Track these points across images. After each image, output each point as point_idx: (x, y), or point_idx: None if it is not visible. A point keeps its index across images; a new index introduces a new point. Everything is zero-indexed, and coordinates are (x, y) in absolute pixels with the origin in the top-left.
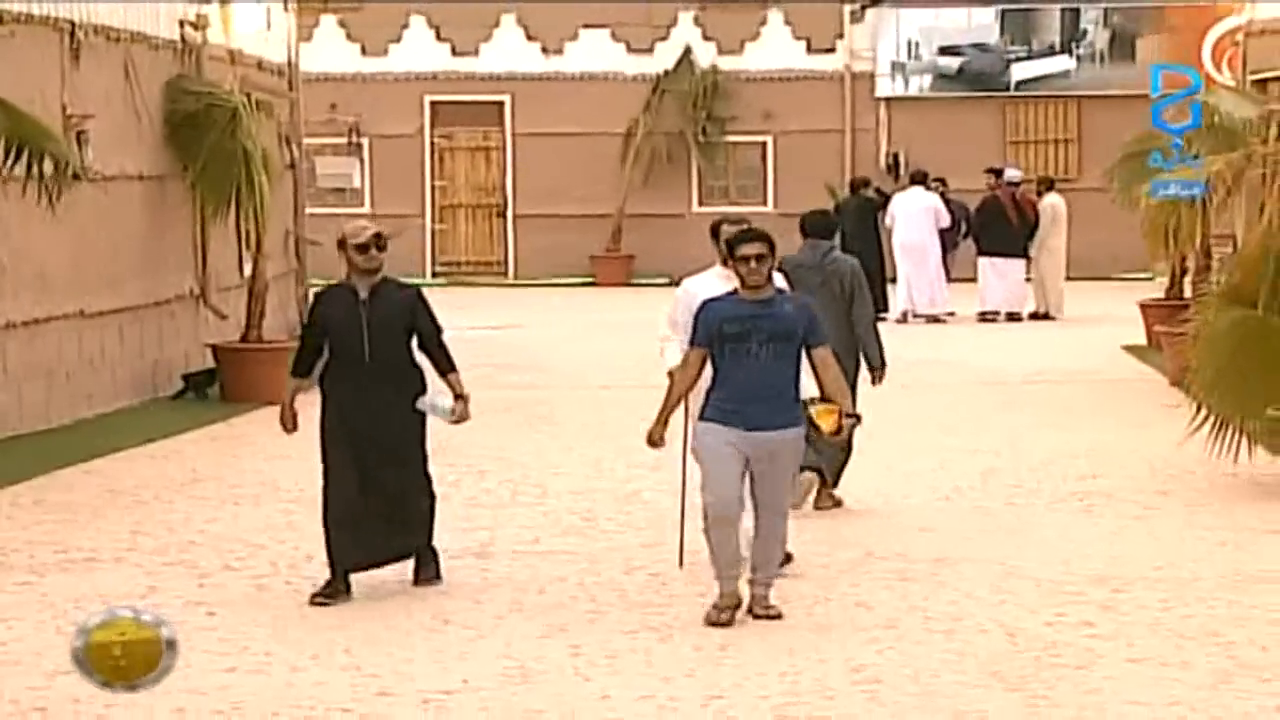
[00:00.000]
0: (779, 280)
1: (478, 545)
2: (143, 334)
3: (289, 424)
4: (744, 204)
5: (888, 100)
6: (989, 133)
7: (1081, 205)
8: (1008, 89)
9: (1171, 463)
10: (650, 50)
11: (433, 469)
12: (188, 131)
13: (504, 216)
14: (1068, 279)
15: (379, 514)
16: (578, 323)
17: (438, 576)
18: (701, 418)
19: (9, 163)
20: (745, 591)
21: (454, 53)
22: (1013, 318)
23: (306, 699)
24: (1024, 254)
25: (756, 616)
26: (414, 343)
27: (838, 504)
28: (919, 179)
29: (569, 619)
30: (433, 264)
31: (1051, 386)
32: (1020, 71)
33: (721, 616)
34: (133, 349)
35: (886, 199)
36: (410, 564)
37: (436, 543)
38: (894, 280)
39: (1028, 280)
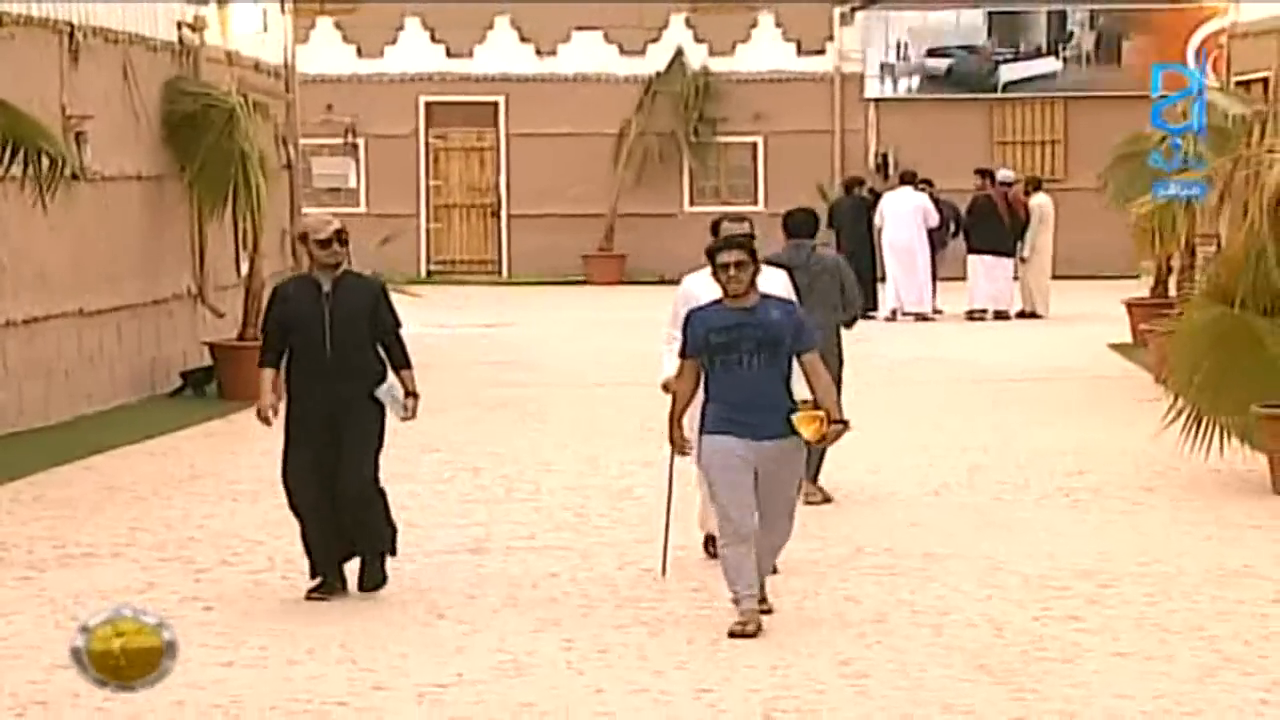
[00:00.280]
0: (782, 278)
1: (472, 541)
2: (141, 332)
3: (269, 413)
4: (735, 204)
5: (877, 101)
6: (977, 133)
7: (1068, 205)
8: (995, 90)
9: (1156, 459)
10: (642, 52)
11: (383, 469)
12: (185, 132)
13: (498, 216)
14: (1054, 278)
15: (337, 510)
16: (571, 321)
17: (383, 583)
18: (704, 431)
19: (7, 162)
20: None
21: (449, 54)
22: (1000, 316)
23: (303, 693)
24: (1014, 253)
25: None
26: (375, 337)
27: (827, 499)
28: (908, 179)
29: (562, 613)
30: (427, 263)
31: (1038, 384)
32: (1008, 73)
33: (748, 628)
34: (131, 347)
35: (878, 198)
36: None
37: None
38: (884, 279)
39: (1015, 279)
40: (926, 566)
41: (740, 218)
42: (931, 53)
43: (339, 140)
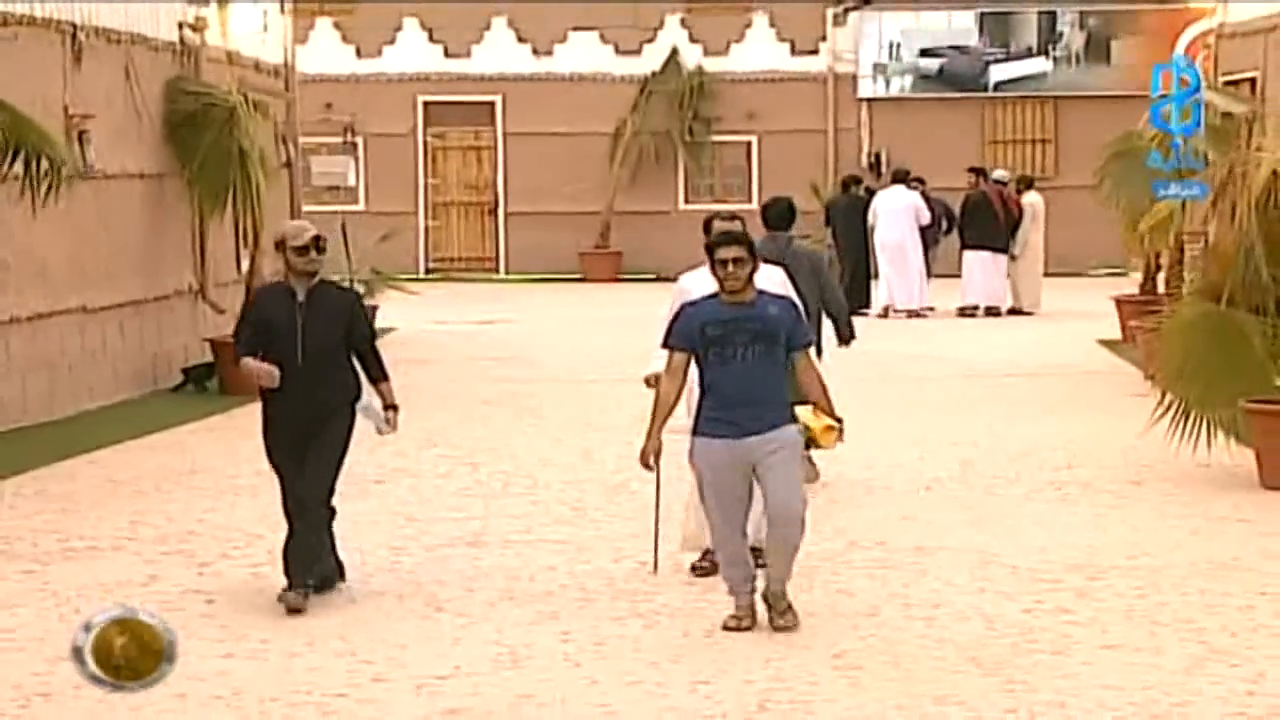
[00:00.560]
0: (779, 275)
1: (470, 534)
2: (143, 328)
3: (264, 375)
4: (729, 202)
5: (869, 101)
6: (968, 132)
7: (1058, 203)
8: (986, 90)
9: (1145, 454)
10: (638, 52)
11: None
12: (186, 131)
13: (495, 214)
14: (1045, 275)
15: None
16: (567, 317)
17: (305, 594)
18: (695, 432)
19: (8, 163)
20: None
21: (446, 54)
22: (992, 312)
23: (303, 684)
24: (1008, 249)
25: (777, 629)
26: (349, 348)
27: (815, 476)
28: (900, 177)
29: (559, 606)
30: (426, 260)
31: (1029, 380)
32: (998, 73)
33: (743, 624)
34: (133, 343)
35: (873, 196)
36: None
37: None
38: (877, 276)
39: (1008, 277)
40: (918, 560)
41: (733, 216)
42: (923, 53)
43: (338, 139)
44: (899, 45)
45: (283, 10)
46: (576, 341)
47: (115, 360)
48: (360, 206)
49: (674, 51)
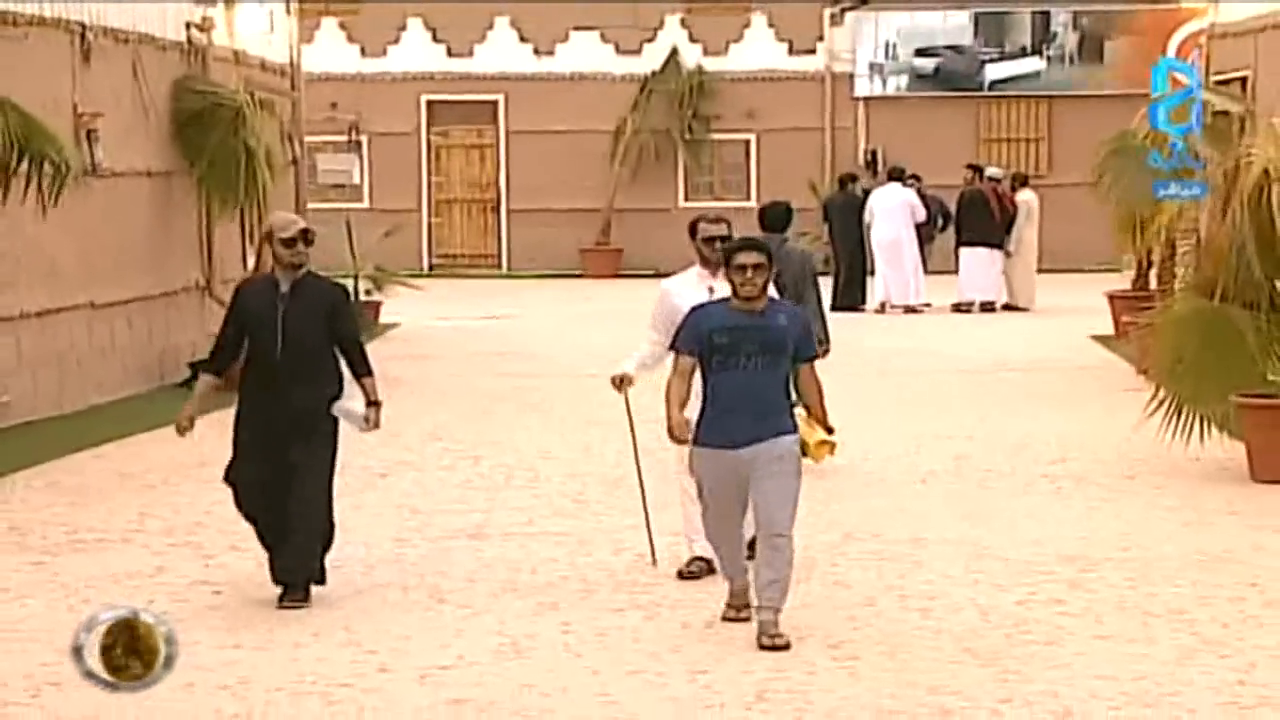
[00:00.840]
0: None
1: (473, 527)
2: (151, 324)
3: (184, 424)
4: (728, 199)
5: (866, 100)
6: (963, 131)
7: (1052, 200)
8: (981, 89)
9: (1138, 447)
10: (638, 51)
11: (337, 482)
12: (194, 129)
13: (497, 211)
14: (1039, 271)
15: (278, 530)
16: (568, 313)
17: (305, 600)
18: (696, 442)
19: (16, 162)
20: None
21: (449, 54)
22: (987, 308)
23: (309, 675)
24: (1003, 246)
25: (763, 647)
26: (333, 342)
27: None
28: (896, 175)
29: (560, 597)
30: (429, 256)
31: (1023, 374)
32: (993, 72)
33: (741, 614)
34: (141, 338)
35: (867, 195)
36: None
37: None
38: (873, 272)
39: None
40: (914, 552)
41: (719, 218)
42: (919, 52)
43: (343, 137)
44: (895, 45)
45: (288, 10)
46: (577, 337)
47: (123, 355)
48: (365, 204)
49: (674, 51)
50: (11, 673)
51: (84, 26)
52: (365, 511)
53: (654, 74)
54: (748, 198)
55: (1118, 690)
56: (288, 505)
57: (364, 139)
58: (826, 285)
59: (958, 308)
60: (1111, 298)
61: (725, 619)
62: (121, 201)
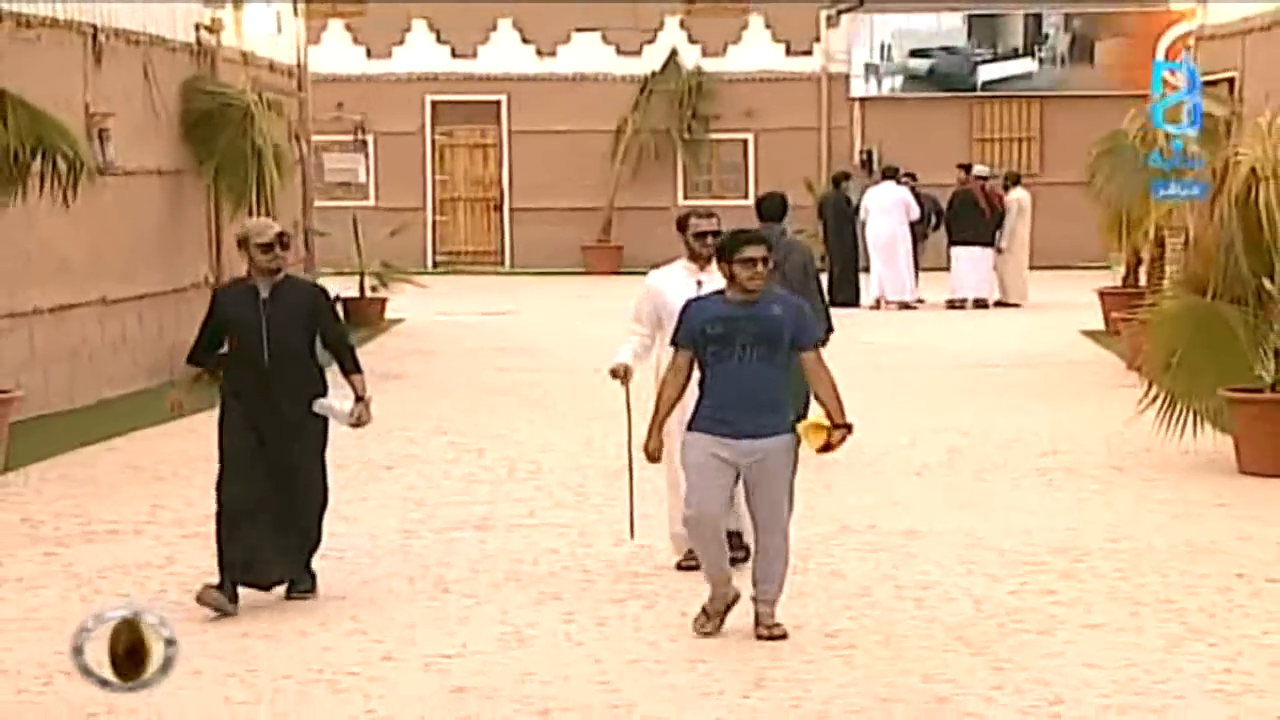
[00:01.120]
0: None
1: (476, 518)
2: (161, 319)
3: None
4: (727, 198)
5: (862, 100)
6: (957, 131)
7: (1043, 198)
8: (974, 89)
9: (1128, 440)
10: (639, 52)
11: (331, 481)
12: (203, 129)
13: (500, 209)
14: (1031, 268)
15: (266, 531)
16: (570, 310)
17: (312, 591)
18: (690, 428)
19: (30, 159)
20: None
21: (453, 55)
22: (980, 305)
23: (315, 662)
24: (993, 243)
25: (760, 637)
26: (316, 343)
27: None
28: (890, 174)
29: (562, 587)
30: (433, 254)
31: (1015, 369)
32: (986, 73)
33: (706, 627)
34: (151, 333)
35: (862, 194)
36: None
37: (427, 522)
38: (867, 270)
39: (995, 270)
40: (908, 543)
41: (709, 213)
42: (914, 54)
43: (349, 137)
44: (890, 46)
45: (295, 12)
46: (579, 333)
47: (134, 350)
48: (370, 202)
49: (673, 52)
50: (25, 661)
51: (95, 28)
52: (371, 503)
53: (654, 74)
54: (745, 196)
55: (1107, 678)
56: (280, 503)
57: (370, 138)
58: (822, 282)
59: (952, 304)
60: (1102, 294)
61: (696, 625)
62: (133, 200)
